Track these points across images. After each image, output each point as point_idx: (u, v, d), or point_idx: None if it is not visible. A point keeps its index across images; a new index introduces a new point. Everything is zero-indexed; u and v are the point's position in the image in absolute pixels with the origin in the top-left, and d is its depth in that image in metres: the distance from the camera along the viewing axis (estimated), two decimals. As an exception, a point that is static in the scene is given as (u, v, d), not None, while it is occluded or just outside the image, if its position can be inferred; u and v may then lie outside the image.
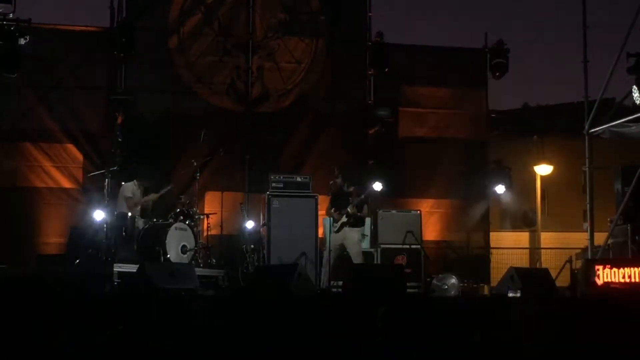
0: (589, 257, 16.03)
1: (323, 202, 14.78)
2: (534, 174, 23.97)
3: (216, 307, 9.85)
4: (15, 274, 12.92)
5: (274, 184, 14.85)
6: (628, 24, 16.06)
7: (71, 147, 16.25)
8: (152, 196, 14.61)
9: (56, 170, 16.17)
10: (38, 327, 8.45)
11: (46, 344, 8.27)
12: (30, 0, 16.48)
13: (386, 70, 17.20)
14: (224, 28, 17.14)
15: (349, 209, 13.62)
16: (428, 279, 14.96)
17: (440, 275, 14.85)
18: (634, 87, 15.13)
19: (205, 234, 14.94)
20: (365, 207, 13.87)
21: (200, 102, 16.88)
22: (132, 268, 12.30)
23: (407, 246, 15.17)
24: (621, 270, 12.36)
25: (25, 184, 16.01)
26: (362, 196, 13.76)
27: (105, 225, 13.82)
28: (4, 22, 15.04)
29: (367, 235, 15.20)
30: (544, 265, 19.17)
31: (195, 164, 14.85)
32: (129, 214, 13.97)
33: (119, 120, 16.11)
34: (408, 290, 12.24)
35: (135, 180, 14.47)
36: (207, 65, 17.04)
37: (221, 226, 15.54)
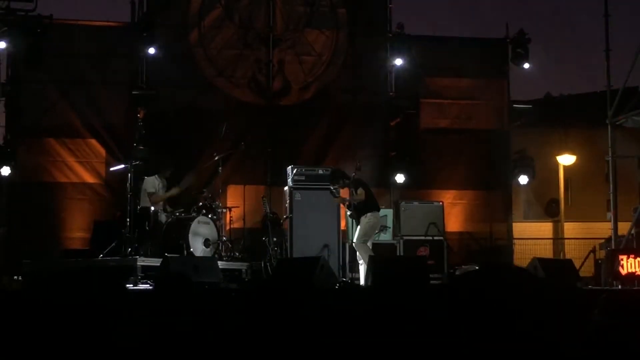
0: (613, 246, 15.96)
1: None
2: (556, 164, 23.83)
3: (239, 300, 9.85)
4: (40, 269, 13.05)
5: (295, 177, 14.87)
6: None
7: (94, 142, 16.31)
8: (175, 190, 14.64)
9: (79, 165, 16.23)
10: (63, 322, 8.49)
11: (69, 339, 8.30)
12: (51, -4, 16.50)
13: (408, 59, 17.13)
14: (244, 21, 17.14)
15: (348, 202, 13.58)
16: (451, 271, 14.94)
17: (463, 267, 14.83)
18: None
19: (227, 227, 14.97)
20: (359, 189, 13.36)
21: (221, 96, 16.89)
22: (155, 262, 12.38)
23: (430, 238, 15.18)
24: (645, 259, 12.32)
25: (48, 179, 16.08)
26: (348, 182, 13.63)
27: (128, 220, 13.87)
28: (26, 19, 15.13)
29: (389, 227, 15.20)
30: (567, 256, 19.09)
31: (217, 157, 14.84)
32: (152, 208, 14.04)
33: (141, 115, 16.16)
34: (431, 281, 12.24)
35: (157, 175, 14.51)
36: (228, 59, 17.05)
37: (243, 219, 15.58)
